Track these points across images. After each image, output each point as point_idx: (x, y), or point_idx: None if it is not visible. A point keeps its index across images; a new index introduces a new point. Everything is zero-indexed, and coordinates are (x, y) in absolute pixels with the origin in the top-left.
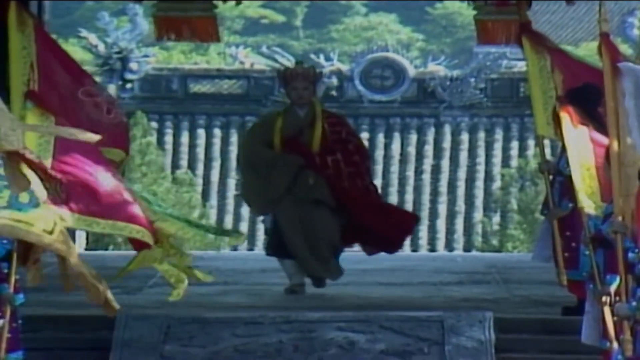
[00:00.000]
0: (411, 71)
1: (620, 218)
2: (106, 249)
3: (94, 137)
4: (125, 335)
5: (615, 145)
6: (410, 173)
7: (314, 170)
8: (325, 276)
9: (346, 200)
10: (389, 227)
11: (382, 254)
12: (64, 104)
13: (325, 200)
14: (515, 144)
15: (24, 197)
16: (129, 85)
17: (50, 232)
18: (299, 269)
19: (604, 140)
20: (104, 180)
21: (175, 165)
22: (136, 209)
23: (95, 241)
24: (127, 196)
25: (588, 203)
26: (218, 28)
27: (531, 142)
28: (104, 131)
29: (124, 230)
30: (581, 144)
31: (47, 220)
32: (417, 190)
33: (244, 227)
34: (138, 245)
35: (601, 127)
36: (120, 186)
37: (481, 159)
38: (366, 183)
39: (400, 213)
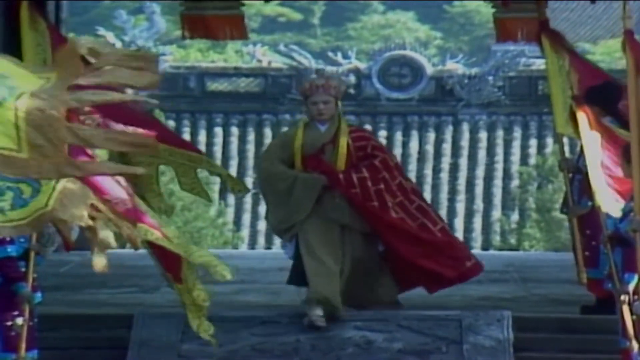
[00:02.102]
0: (429, 69)
1: (639, 216)
2: (123, 248)
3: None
4: (142, 334)
5: (636, 143)
6: (428, 171)
7: (340, 190)
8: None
9: (377, 224)
10: (434, 260)
11: None
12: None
13: (355, 225)
14: (533, 142)
15: (27, 192)
16: None
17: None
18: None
19: (617, 141)
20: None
21: None
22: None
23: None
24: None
25: (606, 203)
26: (246, 25)
27: (549, 140)
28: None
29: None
30: (598, 144)
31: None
32: (435, 188)
33: (262, 226)
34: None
35: (621, 125)
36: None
37: (499, 157)
38: (399, 200)
39: (449, 245)
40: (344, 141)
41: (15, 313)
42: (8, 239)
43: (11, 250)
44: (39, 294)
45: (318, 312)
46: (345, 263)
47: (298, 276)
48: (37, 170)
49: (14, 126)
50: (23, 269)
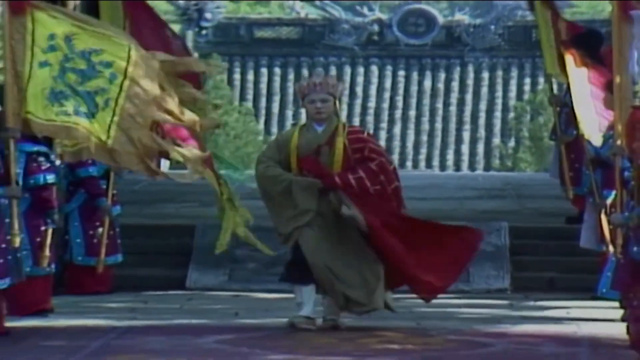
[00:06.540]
0: (440, 19)
1: (618, 142)
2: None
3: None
4: (203, 242)
5: (618, 80)
6: (440, 105)
7: (338, 190)
8: (363, 302)
9: (375, 226)
10: (436, 265)
11: (415, 173)
12: (154, 42)
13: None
14: (528, 81)
15: (83, 107)
16: (204, 32)
17: (107, 138)
18: (311, 298)
19: (602, 77)
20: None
21: (242, 99)
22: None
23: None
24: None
25: (589, 132)
26: None
27: (541, 79)
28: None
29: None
30: (583, 82)
31: (103, 128)
32: (445, 119)
33: None
34: None
35: (601, 66)
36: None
37: (499, 93)
38: (392, 207)
39: (453, 235)
40: (340, 142)
41: (97, 224)
42: (90, 161)
43: (92, 170)
44: (118, 207)
45: (308, 311)
46: (347, 263)
47: (294, 272)
48: (121, 159)
49: (108, 124)
50: (104, 187)
